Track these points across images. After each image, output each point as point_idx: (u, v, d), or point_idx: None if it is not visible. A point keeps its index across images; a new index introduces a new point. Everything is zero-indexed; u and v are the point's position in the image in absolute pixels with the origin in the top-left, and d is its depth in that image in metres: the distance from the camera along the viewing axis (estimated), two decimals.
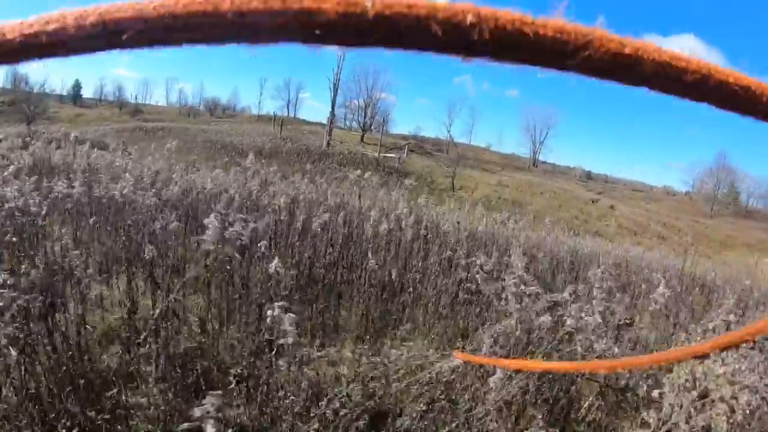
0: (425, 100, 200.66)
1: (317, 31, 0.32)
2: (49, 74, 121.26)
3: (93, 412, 3.19)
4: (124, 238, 5.89)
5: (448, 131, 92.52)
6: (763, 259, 58.34)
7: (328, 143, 55.22)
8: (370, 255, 6.32)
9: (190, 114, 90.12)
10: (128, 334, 4.15)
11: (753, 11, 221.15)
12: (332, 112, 61.44)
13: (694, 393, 3.19)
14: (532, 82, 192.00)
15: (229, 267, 5.04)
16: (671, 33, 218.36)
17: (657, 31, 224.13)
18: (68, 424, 3.02)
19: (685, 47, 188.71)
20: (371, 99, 76.54)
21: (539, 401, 4.09)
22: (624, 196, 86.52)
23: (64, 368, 3.39)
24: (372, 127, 74.97)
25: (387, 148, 60.67)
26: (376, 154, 54.50)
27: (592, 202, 62.86)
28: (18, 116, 51.67)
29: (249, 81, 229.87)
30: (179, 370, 3.77)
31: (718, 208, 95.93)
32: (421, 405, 3.88)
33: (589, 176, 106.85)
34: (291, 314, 2.99)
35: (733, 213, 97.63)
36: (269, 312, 2.96)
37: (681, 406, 3.21)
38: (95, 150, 15.11)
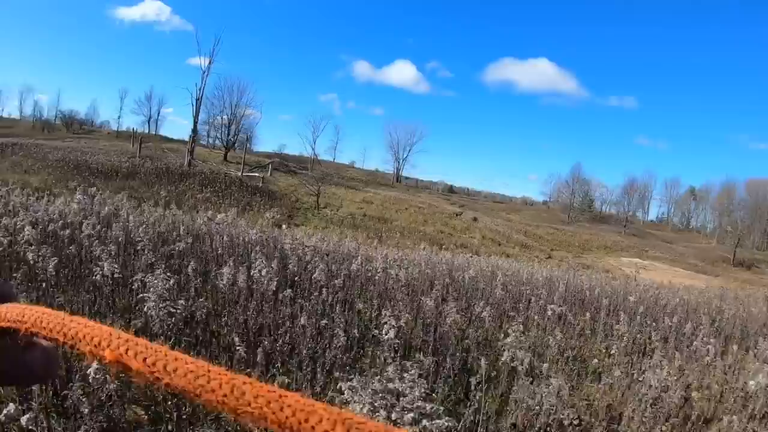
0: (289, 117, 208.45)
1: None
2: None
3: None
4: None
5: (313, 148, 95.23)
6: (619, 258, 69.19)
7: (190, 162, 53.14)
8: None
9: (44, 128, 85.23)
10: None
11: (602, 36, 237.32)
12: (194, 129, 58.39)
13: None
14: (397, 99, 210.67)
15: None
16: (527, 56, 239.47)
17: (514, 55, 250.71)
18: None
19: (541, 69, 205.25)
20: (235, 115, 74.14)
21: None
22: (486, 208, 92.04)
23: None
24: (236, 145, 73.66)
25: (250, 166, 59.95)
26: (239, 174, 53.55)
27: (456, 215, 66.30)
28: None
29: (108, 92, 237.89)
30: None
31: (575, 215, 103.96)
32: None
33: (451, 190, 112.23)
34: None
35: (589, 219, 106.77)
36: None
37: None
38: None
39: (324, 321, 6.33)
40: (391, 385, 3.19)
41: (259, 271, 6.84)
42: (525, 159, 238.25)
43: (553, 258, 52.75)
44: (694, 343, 7.78)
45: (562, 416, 4.68)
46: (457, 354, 6.68)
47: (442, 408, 3.27)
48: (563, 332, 8.20)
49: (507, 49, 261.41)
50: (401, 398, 3.12)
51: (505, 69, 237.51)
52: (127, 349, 0.47)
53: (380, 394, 3.14)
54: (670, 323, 9.05)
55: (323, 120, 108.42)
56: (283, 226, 19.56)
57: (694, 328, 9.14)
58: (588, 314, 9.21)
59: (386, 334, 4.94)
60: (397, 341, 5.27)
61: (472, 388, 5.32)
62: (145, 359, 0.46)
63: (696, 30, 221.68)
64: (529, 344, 7.60)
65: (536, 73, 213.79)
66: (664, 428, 5.48)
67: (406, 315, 7.10)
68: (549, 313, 8.00)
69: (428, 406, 3.09)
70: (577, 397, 6.51)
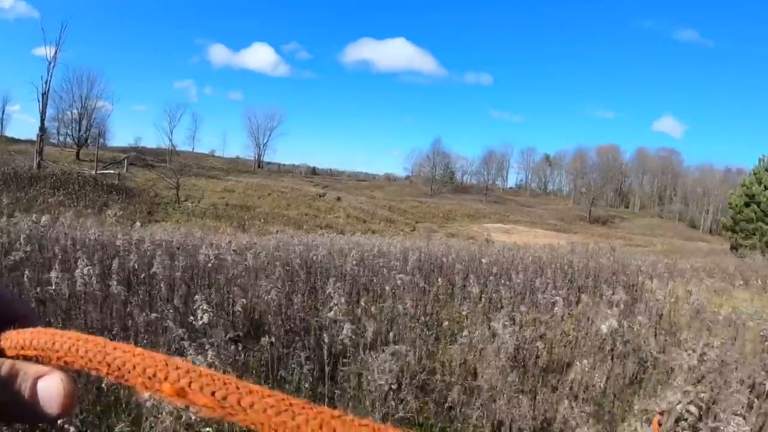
0: (144, 107, 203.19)
1: None
2: None
3: None
4: None
5: (170, 139, 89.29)
6: (483, 224, 71.00)
7: (39, 164, 48.42)
8: None
9: None
10: None
11: (457, 16, 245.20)
12: (42, 127, 53.24)
13: None
14: (256, 83, 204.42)
15: None
16: (385, 36, 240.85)
17: (372, 36, 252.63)
18: None
19: (399, 48, 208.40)
20: (86, 109, 68.37)
21: None
22: (350, 187, 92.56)
23: None
24: (88, 142, 67.66)
25: (105, 163, 55.21)
26: (93, 172, 49.54)
27: (320, 196, 65.94)
28: None
29: None
30: None
31: (437, 188, 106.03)
32: None
33: (314, 172, 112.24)
34: None
35: (451, 190, 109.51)
36: None
37: None
38: None
39: (154, 314, 5.80)
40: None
41: (83, 272, 6.25)
42: (386, 136, 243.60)
43: (418, 230, 53.70)
44: (541, 295, 7.90)
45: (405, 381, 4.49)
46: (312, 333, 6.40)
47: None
48: (417, 299, 8.14)
49: (365, 30, 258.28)
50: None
51: (363, 49, 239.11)
52: (190, 382, 0.42)
53: None
54: (517, 280, 9.17)
55: (179, 108, 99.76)
56: (138, 224, 18.21)
57: (550, 282, 9.37)
58: (440, 280, 9.18)
59: (200, 320, 4.59)
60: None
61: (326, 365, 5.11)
62: (213, 393, 0.41)
63: (545, 8, 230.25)
64: (383, 315, 7.48)
65: (394, 53, 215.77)
66: (513, 376, 5.45)
67: (242, 299, 6.67)
68: (398, 282, 7.86)
69: None
70: (438, 360, 6.42)
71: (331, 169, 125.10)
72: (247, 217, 45.64)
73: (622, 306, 7.03)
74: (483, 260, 11.24)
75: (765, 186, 40.13)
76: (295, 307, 6.85)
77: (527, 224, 76.26)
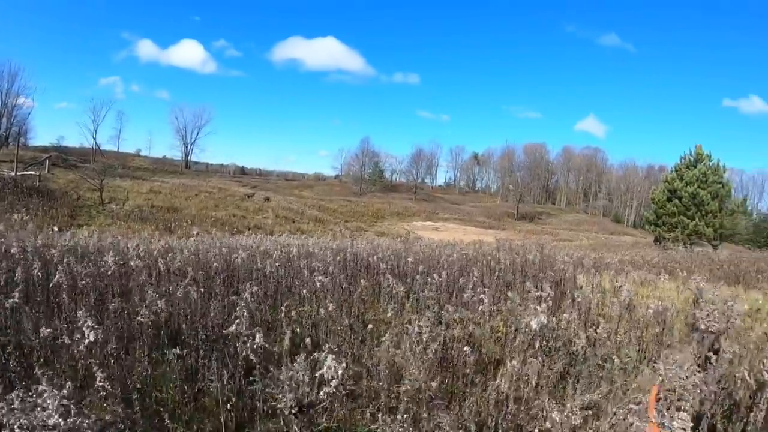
0: (67, 104, 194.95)
1: None
2: None
3: None
4: None
5: (94, 138, 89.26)
6: (412, 222, 71.17)
7: None
8: None
9: None
10: None
11: (386, 16, 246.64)
12: None
13: None
14: (184, 81, 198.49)
15: None
16: (314, 35, 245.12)
17: (301, 34, 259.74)
18: None
19: (328, 47, 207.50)
20: (6, 105, 68.53)
21: None
22: (279, 187, 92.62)
23: None
24: (9, 140, 67.24)
25: (25, 164, 53.28)
26: (13, 173, 47.86)
27: (248, 197, 65.28)
28: None
29: None
30: None
31: (366, 186, 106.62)
32: None
33: (243, 172, 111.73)
34: None
35: (380, 188, 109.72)
36: None
37: None
38: None
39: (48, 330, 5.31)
40: None
41: None
42: (316, 136, 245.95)
43: (348, 229, 53.61)
44: (469, 293, 7.73)
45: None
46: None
47: None
48: (342, 301, 7.87)
49: (294, 28, 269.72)
50: None
51: (292, 48, 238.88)
52: None
53: None
54: (439, 279, 8.98)
55: (104, 106, 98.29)
56: (54, 228, 17.21)
57: (476, 279, 9.23)
58: (363, 281, 8.89)
59: (86, 339, 4.19)
60: None
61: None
62: None
63: (472, 11, 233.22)
64: (306, 320, 7.19)
65: (323, 52, 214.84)
66: (438, 379, 5.25)
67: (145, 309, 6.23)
68: (319, 284, 7.54)
69: None
70: (362, 364, 6.14)
71: (260, 169, 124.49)
72: (174, 219, 44.70)
73: (550, 302, 6.90)
74: (409, 259, 11.01)
75: (686, 182, 42.45)
76: (212, 314, 6.42)
77: (456, 221, 77.34)
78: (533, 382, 5.43)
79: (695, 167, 43.24)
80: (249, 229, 41.41)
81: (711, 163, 43.35)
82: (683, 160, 44.77)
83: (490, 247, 16.99)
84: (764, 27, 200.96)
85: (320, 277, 7.60)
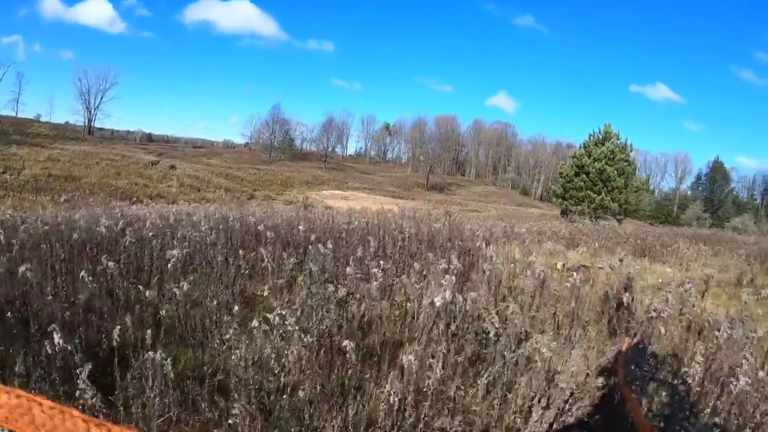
0: None
1: None
2: None
3: None
4: None
5: None
6: (321, 191, 70.06)
7: None
8: None
9: None
10: None
11: None
12: None
13: None
14: (91, 41, 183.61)
15: None
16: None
17: None
18: None
19: (242, 10, 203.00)
20: None
21: None
22: (186, 154, 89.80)
23: None
24: None
25: None
26: None
27: (152, 164, 62.80)
28: None
29: None
30: None
31: (276, 155, 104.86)
32: None
33: (150, 139, 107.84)
34: None
35: (290, 157, 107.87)
36: None
37: None
38: None
39: None
40: None
41: None
42: (226, 103, 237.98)
43: (256, 197, 52.42)
44: (367, 264, 6.78)
45: None
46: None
47: None
48: (220, 274, 6.82)
49: None
50: None
51: (205, 9, 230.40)
52: None
53: None
54: (334, 249, 7.94)
55: (2, 67, 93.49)
56: None
57: (375, 250, 8.36)
58: (242, 252, 7.75)
59: None
60: None
61: None
62: None
63: None
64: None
65: (237, 15, 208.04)
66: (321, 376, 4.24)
67: None
68: (170, 257, 6.32)
69: None
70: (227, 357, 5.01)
71: (168, 136, 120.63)
72: (72, 188, 42.07)
73: (455, 277, 6.02)
74: (300, 227, 9.83)
75: (595, 158, 43.93)
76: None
77: (366, 191, 77.14)
78: (438, 372, 4.41)
79: (603, 145, 44.63)
80: (151, 199, 40.27)
81: (619, 142, 44.97)
82: (592, 138, 46.08)
83: (395, 215, 16.15)
84: (670, 19, 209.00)
85: (174, 251, 6.33)
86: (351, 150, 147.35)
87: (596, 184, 43.51)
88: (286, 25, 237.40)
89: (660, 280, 10.55)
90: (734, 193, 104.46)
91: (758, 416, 4.19)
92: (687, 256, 15.27)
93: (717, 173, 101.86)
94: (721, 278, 12.09)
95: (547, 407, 4.37)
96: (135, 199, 38.64)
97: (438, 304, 5.06)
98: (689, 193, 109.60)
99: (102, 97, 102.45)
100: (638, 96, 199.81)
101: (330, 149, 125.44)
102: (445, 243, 10.02)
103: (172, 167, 63.50)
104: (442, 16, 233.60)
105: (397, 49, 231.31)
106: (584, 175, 44.26)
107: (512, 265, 8.96)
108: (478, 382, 4.74)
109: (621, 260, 9.69)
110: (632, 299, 6.74)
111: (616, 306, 6.92)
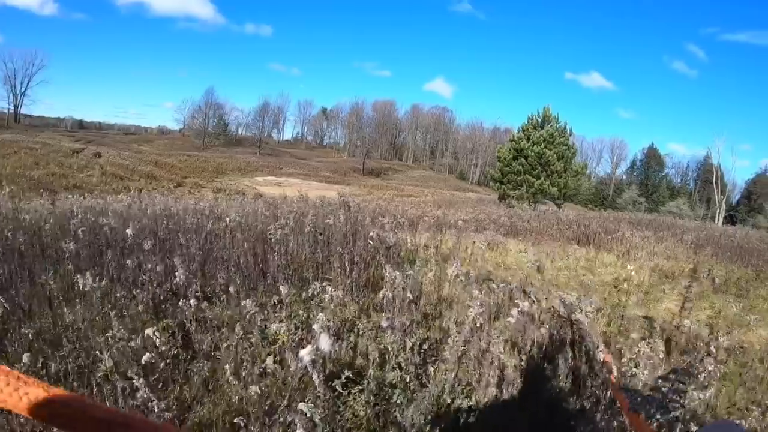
0: None
1: None
2: None
3: None
4: None
5: None
6: (254, 178, 67.42)
7: None
8: None
9: None
10: None
11: None
12: None
13: None
14: (19, 23, 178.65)
15: None
16: None
17: None
18: None
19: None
20: None
21: None
22: (116, 141, 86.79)
23: None
24: None
25: None
26: None
27: (76, 153, 58.51)
28: None
29: None
30: None
31: (209, 140, 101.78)
32: None
33: (81, 126, 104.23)
34: None
35: (224, 143, 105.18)
36: None
37: None
38: None
39: None
40: None
41: None
42: (161, 87, 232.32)
43: (184, 186, 49.84)
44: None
45: None
46: None
47: None
48: None
49: None
50: None
51: None
52: None
53: None
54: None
55: None
56: None
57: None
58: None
59: None
60: None
61: None
62: None
63: None
64: None
65: None
66: None
67: None
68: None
69: None
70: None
71: (100, 123, 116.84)
72: None
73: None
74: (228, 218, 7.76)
75: (533, 142, 43.01)
76: None
77: (300, 177, 75.21)
78: None
79: (542, 128, 43.68)
80: (66, 190, 36.28)
81: (558, 125, 43.95)
82: (530, 121, 45.04)
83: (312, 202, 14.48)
84: (605, 8, 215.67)
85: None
86: (288, 135, 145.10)
87: (535, 168, 42.50)
88: (224, 8, 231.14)
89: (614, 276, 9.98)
90: (668, 178, 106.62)
91: None
92: (633, 243, 14.52)
93: (652, 159, 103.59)
94: (671, 268, 11.72)
95: None
96: (50, 190, 35.41)
97: (306, 359, 2.92)
98: (625, 177, 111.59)
99: (29, 82, 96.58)
100: (573, 83, 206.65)
101: (265, 134, 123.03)
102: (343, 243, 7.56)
103: (97, 155, 59.43)
104: (381, 2, 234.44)
105: (337, 34, 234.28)
106: (523, 159, 43.20)
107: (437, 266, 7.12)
108: None
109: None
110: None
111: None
